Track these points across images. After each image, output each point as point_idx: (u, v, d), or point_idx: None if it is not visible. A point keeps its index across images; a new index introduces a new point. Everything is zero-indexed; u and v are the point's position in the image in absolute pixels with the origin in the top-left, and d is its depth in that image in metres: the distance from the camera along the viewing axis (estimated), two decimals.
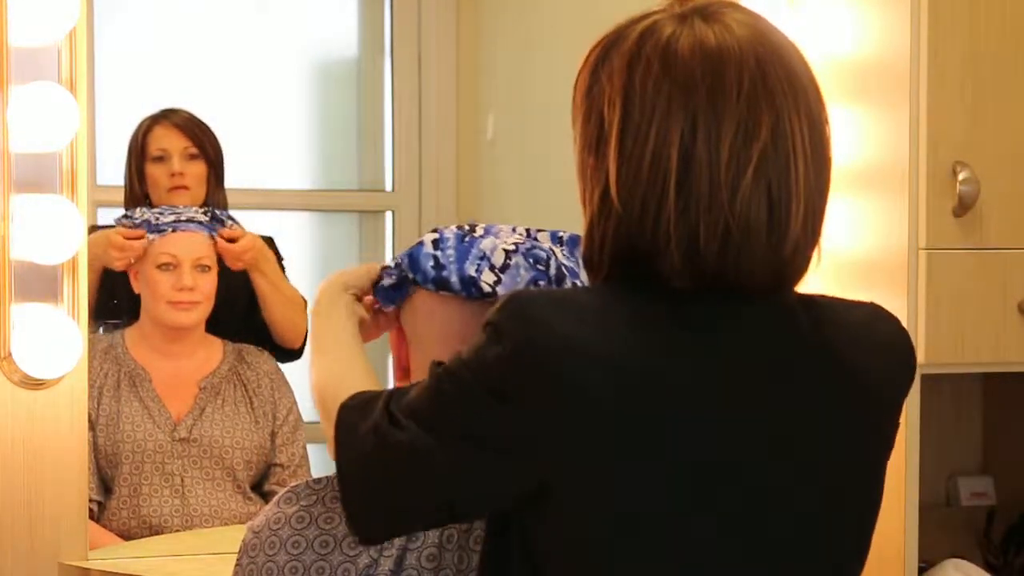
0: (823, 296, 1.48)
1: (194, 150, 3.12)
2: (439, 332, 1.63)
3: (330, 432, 1.51)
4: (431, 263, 1.60)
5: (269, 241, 3.18)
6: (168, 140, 3.12)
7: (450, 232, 1.62)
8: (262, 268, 3.05)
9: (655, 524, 1.37)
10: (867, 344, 1.47)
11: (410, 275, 1.62)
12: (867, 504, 1.48)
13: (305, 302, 3.13)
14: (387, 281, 1.64)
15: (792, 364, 1.42)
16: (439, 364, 1.43)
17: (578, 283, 1.61)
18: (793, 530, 1.42)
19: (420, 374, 1.52)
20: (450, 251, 1.60)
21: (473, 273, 1.59)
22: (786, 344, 1.43)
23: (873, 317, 1.50)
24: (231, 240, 2.99)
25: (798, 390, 1.42)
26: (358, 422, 1.46)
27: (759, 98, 1.39)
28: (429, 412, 1.41)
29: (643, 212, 1.39)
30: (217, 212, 2.99)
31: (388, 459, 1.43)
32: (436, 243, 1.61)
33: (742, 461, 1.39)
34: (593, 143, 1.43)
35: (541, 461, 1.37)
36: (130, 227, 2.92)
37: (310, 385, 1.61)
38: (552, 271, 1.60)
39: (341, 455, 1.48)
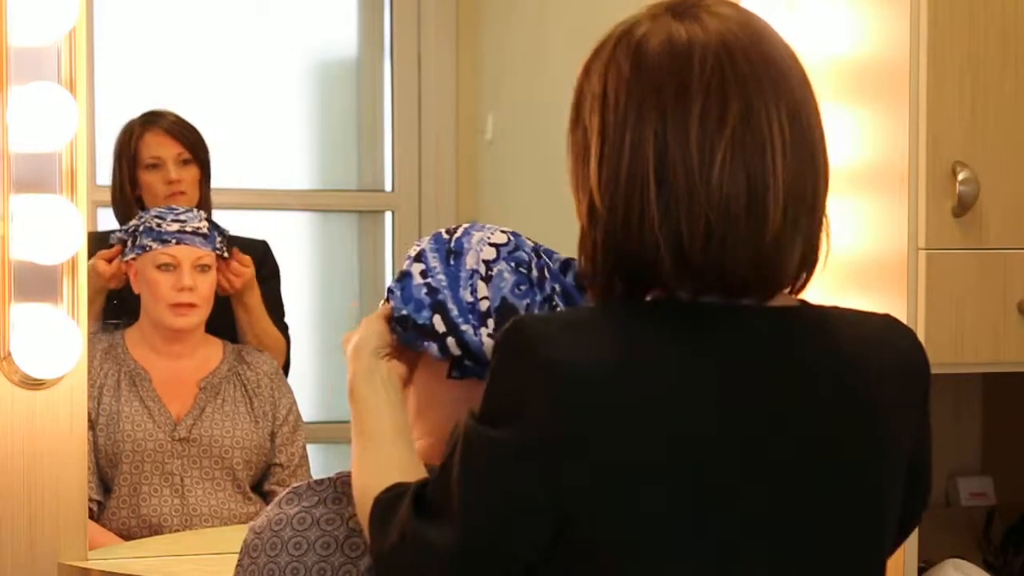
0: (835, 307, 1.46)
1: (187, 155, 3.13)
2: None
3: (366, 525, 1.48)
4: (424, 292, 1.59)
5: (264, 245, 3.18)
6: (161, 147, 3.13)
7: (435, 260, 1.62)
8: (246, 300, 3.04)
9: (662, 540, 1.36)
10: (880, 357, 1.45)
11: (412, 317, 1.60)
12: (878, 511, 1.46)
13: (284, 340, 3.11)
14: (401, 323, 1.60)
15: (795, 375, 1.41)
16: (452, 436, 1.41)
17: (556, 287, 1.60)
18: (804, 539, 1.41)
19: (421, 391, 1.57)
20: (440, 276, 1.60)
21: (469, 297, 1.58)
22: (790, 355, 1.41)
23: (887, 329, 1.48)
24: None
25: (802, 401, 1.41)
26: (389, 515, 1.44)
27: (725, 85, 1.37)
28: (455, 494, 1.38)
29: (627, 217, 1.38)
30: (218, 225, 2.99)
31: (412, 555, 1.41)
32: (424, 273, 1.61)
33: (743, 479, 1.38)
34: (580, 153, 1.42)
35: (564, 496, 1.35)
36: (114, 243, 2.92)
37: (352, 485, 1.55)
38: (535, 273, 1.59)
39: (373, 548, 1.46)
